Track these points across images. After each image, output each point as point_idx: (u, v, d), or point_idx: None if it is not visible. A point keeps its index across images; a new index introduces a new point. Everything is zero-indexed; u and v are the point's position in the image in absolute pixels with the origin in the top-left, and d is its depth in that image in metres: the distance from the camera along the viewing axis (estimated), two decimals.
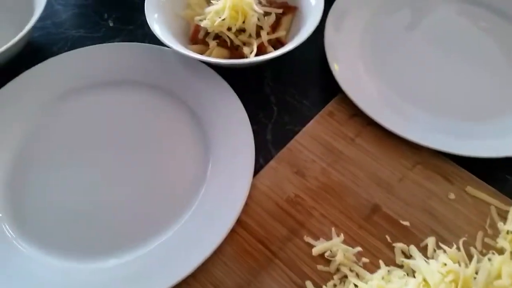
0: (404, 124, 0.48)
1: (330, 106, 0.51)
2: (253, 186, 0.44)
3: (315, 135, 0.48)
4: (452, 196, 0.44)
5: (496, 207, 0.43)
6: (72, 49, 0.56)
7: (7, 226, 0.43)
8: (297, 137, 0.49)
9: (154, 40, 0.50)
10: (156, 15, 0.50)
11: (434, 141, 0.46)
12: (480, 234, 0.41)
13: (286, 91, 0.54)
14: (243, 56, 0.51)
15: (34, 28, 0.52)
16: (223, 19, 0.49)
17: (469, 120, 0.50)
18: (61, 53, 0.56)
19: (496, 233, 0.41)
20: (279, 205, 0.44)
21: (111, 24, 0.60)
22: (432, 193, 0.44)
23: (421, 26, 0.58)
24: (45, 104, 0.51)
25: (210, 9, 0.51)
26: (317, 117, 0.50)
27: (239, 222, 0.42)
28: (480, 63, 0.55)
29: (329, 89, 0.52)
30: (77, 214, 0.44)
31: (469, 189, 0.44)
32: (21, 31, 0.50)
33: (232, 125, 0.48)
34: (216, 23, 0.49)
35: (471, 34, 0.58)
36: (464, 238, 0.41)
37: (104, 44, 0.54)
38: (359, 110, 0.49)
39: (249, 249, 0.41)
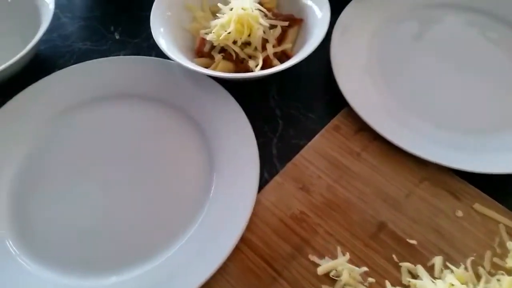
0: (411, 138, 0.47)
1: (336, 120, 0.50)
2: (257, 202, 0.44)
3: (321, 150, 0.48)
4: (459, 213, 0.43)
5: (505, 225, 0.42)
6: (78, 62, 0.56)
7: (10, 243, 0.43)
8: (302, 151, 0.48)
9: (160, 53, 0.50)
10: (161, 29, 0.50)
11: (441, 156, 0.45)
12: (488, 254, 0.40)
13: (291, 104, 0.53)
14: (248, 69, 0.51)
15: (40, 41, 0.52)
16: (229, 33, 0.49)
17: (478, 134, 0.49)
18: (67, 65, 0.56)
19: (505, 253, 0.40)
20: (284, 222, 0.43)
21: (117, 37, 0.60)
22: (439, 210, 0.43)
23: (428, 37, 0.58)
24: (51, 118, 0.51)
25: (216, 22, 0.51)
26: (322, 131, 0.50)
27: (243, 239, 0.42)
28: (489, 75, 0.54)
29: (335, 102, 0.52)
30: (80, 230, 0.44)
31: (477, 206, 0.43)
32: (28, 42, 0.51)
33: (237, 139, 0.48)
34: (221, 37, 0.49)
35: (480, 45, 0.57)
36: (472, 258, 0.40)
37: (110, 58, 0.55)
38: (365, 124, 0.48)
39: (253, 268, 0.40)
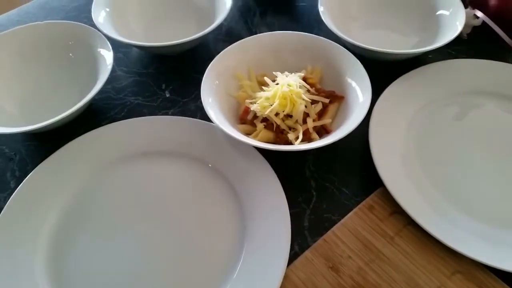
0: (446, 228, 0.47)
1: (370, 199, 0.51)
2: (286, 277, 0.44)
3: (353, 229, 0.48)
4: None
5: None
6: (128, 116, 0.60)
7: None
8: (334, 228, 0.49)
9: (205, 114, 0.51)
10: (210, 99, 0.53)
11: (477, 251, 0.45)
12: None
13: (326, 177, 0.54)
14: (288, 140, 0.53)
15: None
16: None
17: None
18: (117, 117, 0.60)
19: None
20: None
21: (167, 95, 0.63)
22: None
23: (467, 125, 0.58)
24: (95, 170, 0.54)
25: (261, 94, 0.54)
26: (356, 209, 0.50)
27: None
28: None
29: (370, 180, 0.52)
30: (115, 283, 0.46)
31: None
32: (84, 93, 0.55)
33: (270, 208, 0.49)
34: (267, 112, 0.52)
35: None
36: None
37: (158, 117, 0.58)
38: (400, 207, 0.48)
39: None
